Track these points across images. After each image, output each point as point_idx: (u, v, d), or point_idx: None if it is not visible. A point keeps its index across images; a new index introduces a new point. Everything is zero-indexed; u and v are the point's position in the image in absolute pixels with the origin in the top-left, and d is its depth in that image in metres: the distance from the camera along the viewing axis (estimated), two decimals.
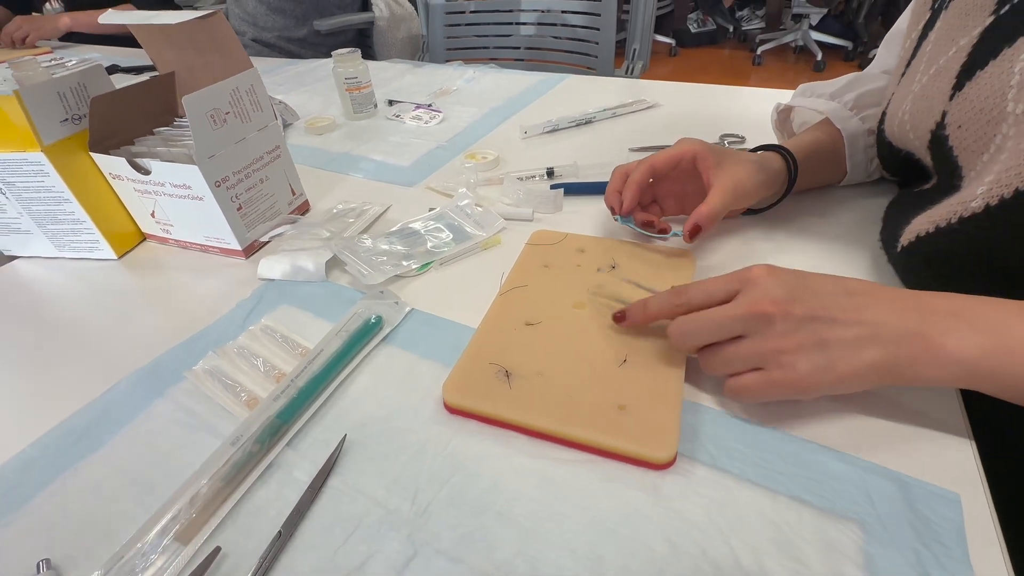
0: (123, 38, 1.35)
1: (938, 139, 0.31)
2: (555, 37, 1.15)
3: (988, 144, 0.28)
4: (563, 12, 1.12)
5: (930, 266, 0.32)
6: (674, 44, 3.46)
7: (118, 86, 0.43)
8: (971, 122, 0.29)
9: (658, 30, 3.53)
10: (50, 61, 1.21)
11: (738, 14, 3.72)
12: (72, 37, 1.36)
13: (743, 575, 0.22)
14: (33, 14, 1.39)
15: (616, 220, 0.40)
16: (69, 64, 1.19)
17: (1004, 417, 0.26)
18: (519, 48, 1.21)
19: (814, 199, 0.46)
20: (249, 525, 0.25)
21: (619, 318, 0.32)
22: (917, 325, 0.25)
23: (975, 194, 0.28)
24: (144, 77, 1.02)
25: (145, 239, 0.48)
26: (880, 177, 0.46)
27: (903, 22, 0.43)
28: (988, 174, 0.27)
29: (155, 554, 0.24)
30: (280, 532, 0.24)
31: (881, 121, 0.39)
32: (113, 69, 1.08)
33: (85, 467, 0.28)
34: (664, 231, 0.39)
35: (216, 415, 0.31)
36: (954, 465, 0.25)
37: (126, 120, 0.44)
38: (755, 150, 0.43)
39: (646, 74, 1.14)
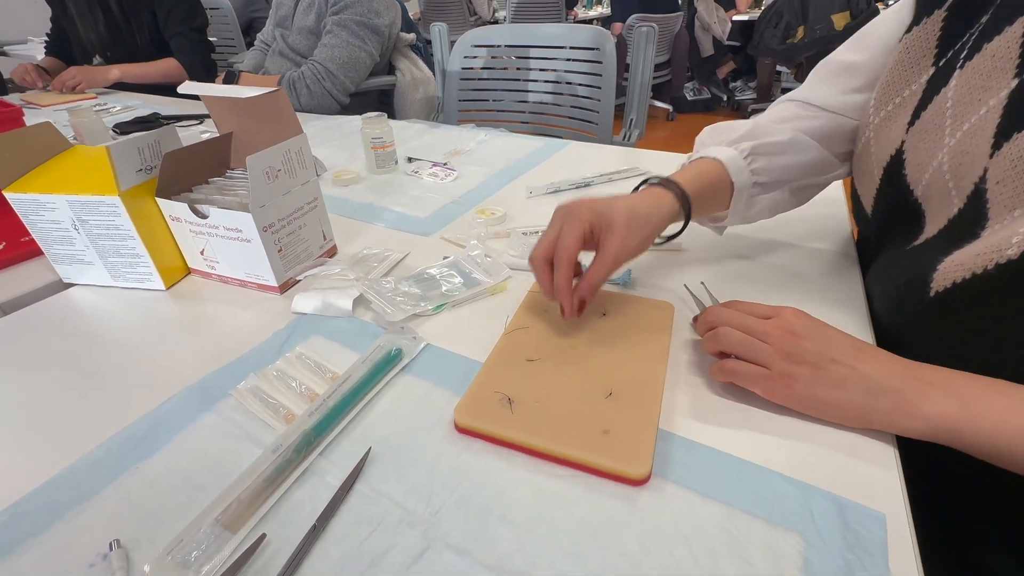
0: (164, 88, 1.47)
1: (978, 191, 0.33)
2: (558, 105, 1.26)
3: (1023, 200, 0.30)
4: (567, 83, 1.24)
5: (969, 312, 0.33)
6: (671, 110, 3.68)
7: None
8: (1009, 179, 0.31)
9: (656, 96, 3.77)
10: (95, 107, 1.32)
11: (732, 85, 3.97)
12: (116, 85, 1.48)
13: (701, 572, 0.26)
14: (85, 65, 1.51)
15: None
16: (113, 109, 1.30)
17: (930, 448, 0.31)
18: (526, 112, 1.32)
19: (785, 259, 0.52)
20: (288, 518, 0.29)
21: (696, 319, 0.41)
22: (899, 385, 0.31)
23: (1010, 242, 0.29)
24: (184, 125, 1.11)
25: (190, 273, 0.54)
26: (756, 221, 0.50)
27: (855, 53, 0.46)
28: (1022, 225, 0.29)
29: (209, 540, 0.28)
30: (315, 525, 0.29)
31: (899, 168, 0.40)
32: (154, 117, 1.18)
33: (145, 467, 0.33)
34: (583, 306, 0.41)
35: (258, 428, 0.35)
36: (883, 489, 0.30)
37: (188, 171, 0.51)
38: (658, 182, 0.44)
39: (644, 137, 1.25)
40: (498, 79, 1.32)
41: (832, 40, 2.95)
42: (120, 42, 1.43)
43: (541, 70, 1.27)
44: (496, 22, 3.95)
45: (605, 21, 3.93)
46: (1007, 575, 0.37)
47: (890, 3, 3.79)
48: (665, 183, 0.44)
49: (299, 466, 0.32)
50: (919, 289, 0.35)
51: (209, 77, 1.49)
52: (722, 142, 0.48)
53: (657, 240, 0.45)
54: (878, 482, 0.30)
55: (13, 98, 1.43)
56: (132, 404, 0.38)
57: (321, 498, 0.30)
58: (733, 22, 3.59)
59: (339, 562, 0.27)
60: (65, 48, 1.58)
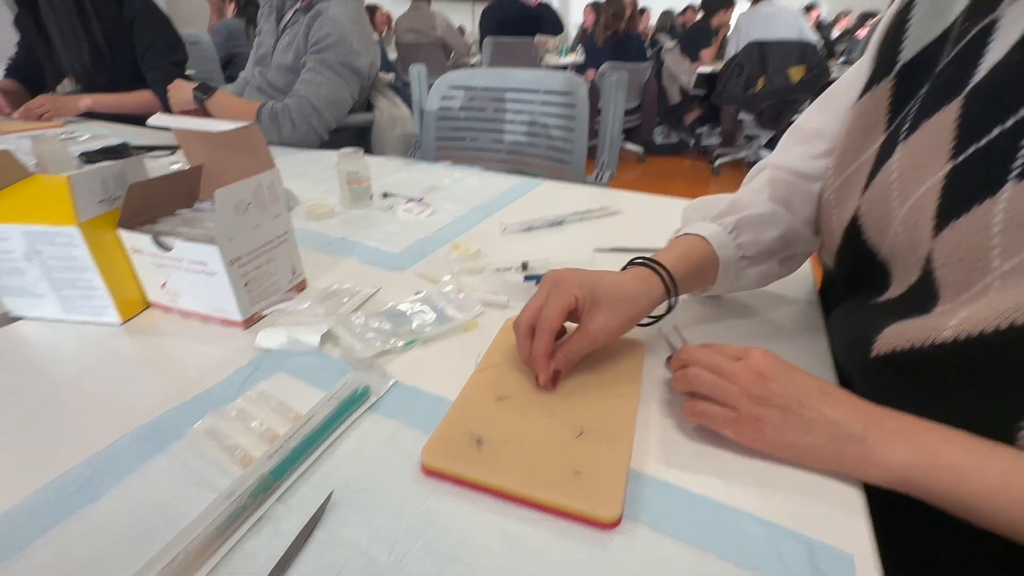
0: (133, 118, 1.45)
1: (928, 269, 0.34)
2: (533, 145, 1.30)
3: (970, 287, 0.31)
4: (542, 125, 1.28)
5: (903, 379, 0.34)
6: (642, 152, 3.83)
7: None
8: (954, 265, 0.32)
9: (628, 138, 3.91)
10: (62, 135, 1.30)
11: (698, 130, 4.17)
12: (86, 113, 1.45)
13: None
14: (55, 93, 1.49)
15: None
16: (81, 138, 1.28)
17: (895, 495, 0.31)
18: (502, 151, 1.35)
19: (752, 305, 0.54)
20: (240, 570, 0.27)
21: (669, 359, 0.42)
22: (862, 432, 0.32)
23: (947, 325, 0.30)
24: (155, 156, 1.09)
25: (149, 306, 0.52)
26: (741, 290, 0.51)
27: (814, 120, 0.49)
28: (962, 310, 0.30)
29: None
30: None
31: (858, 232, 0.41)
32: (123, 146, 1.16)
33: (86, 515, 0.30)
34: (557, 377, 0.40)
35: (213, 471, 0.33)
36: (850, 530, 0.30)
37: (154, 203, 0.50)
38: (643, 262, 0.44)
39: (616, 177, 1.29)
40: (475, 119, 1.36)
41: (790, 91, 3.15)
42: (102, 73, 1.41)
43: (517, 112, 1.31)
44: (472, 65, 4.09)
45: (579, 68, 4.11)
46: None
47: (840, 59, 4.08)
48: (653, 265, 0.43)
49: (254, 512, 0.30)
50: (862, 347, 0.37)
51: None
52: (705, 217, 0.49)
53: (645, 323, 0.44)
54: (846, 523, 0.31)
55: None
56: (77, 446, 0.35)
57: (277, 547, 0.28)
58: (698, 73, 3.80)
59: None
60: (28, 73, 1.55)
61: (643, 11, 6.02)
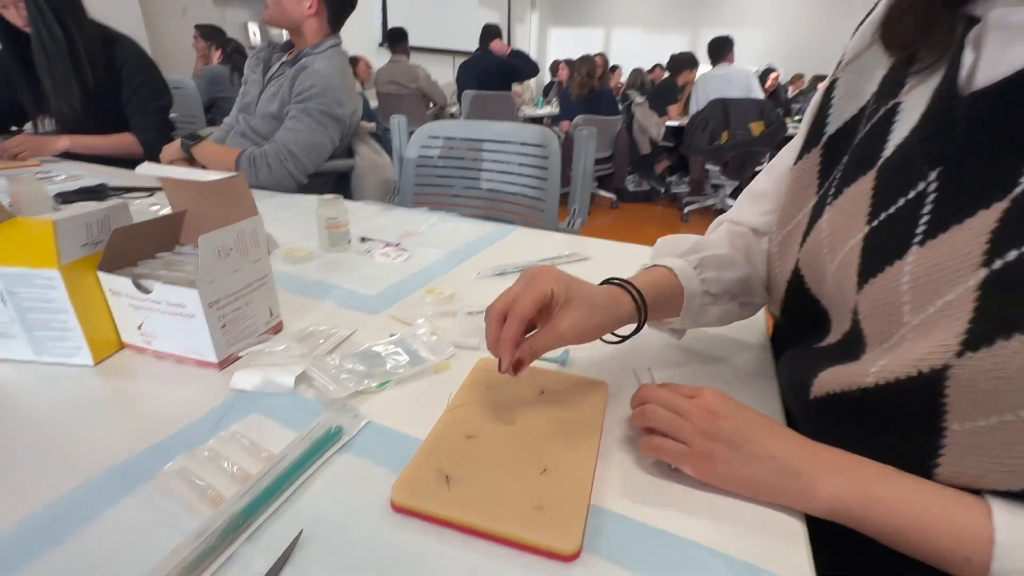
0: (110, 159, 1.46)
1: (856, 320, 0.38)
2: (508, 193, 1.35)
3: (888, 338, 0.34)
4: (517, 174, 1.34)
5: (837, 419, 0.38)
6: (615, 199, 3.98)
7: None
8: (874, 318, 0.36)
9: (601, 186, 4.07)
10: (38, 174, 1.30)
11: (668, 179, 4.37)
12: (62, 153, 1.46)
13: None
14: (36, 135, 1.50)
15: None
16: (57, 178, 1.28)
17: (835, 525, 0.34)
18: (478, 198, 1.40)
19: (709, 348, 0.57)
20: None
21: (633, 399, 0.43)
22: (805, 467, 0.35)
23: (869, 371, 0.34)
24: (133, 198, 1.10)
25: (123, 347, 0.53)
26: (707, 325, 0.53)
27: (764, 182, 0.54)
28: (882, 359, 0.34)
29: None
30: None
31: (801, 282, 0.45)
32: (101, 187, 1.17)
33: (51, 558, 0.31)
34: (519, 366, 0.41)
35: (183, 512, 0.34)
36: (793, 558, 0.32)
37: (136, 246, 0.51)
38: (614, 282, 0.46)
39: (590, 221, 1.34)
40: (452, 167, 1.41)
41: (751, 143, 3.37)
42: (90, 116, 1.43)
43: (493, 161, 1.37)
44: (453, 115, 4.24)
45: (555, 118, 4.30)
46: None
47: (796, 117, 4.39)
48: (626, 286, 0.46)
49: (223, 552, 0.31)
50: (803, 390, 0.40)
51: None
52: (673, 253, 0.52)
53: (611, 339, 0.47)
54: (788, 551, 0.33)
55: None
56: (42, 488, 0.35)
57: None
58: (666, 126, 4.02)
59: None
60: None
61: (615, 68, 6.41)
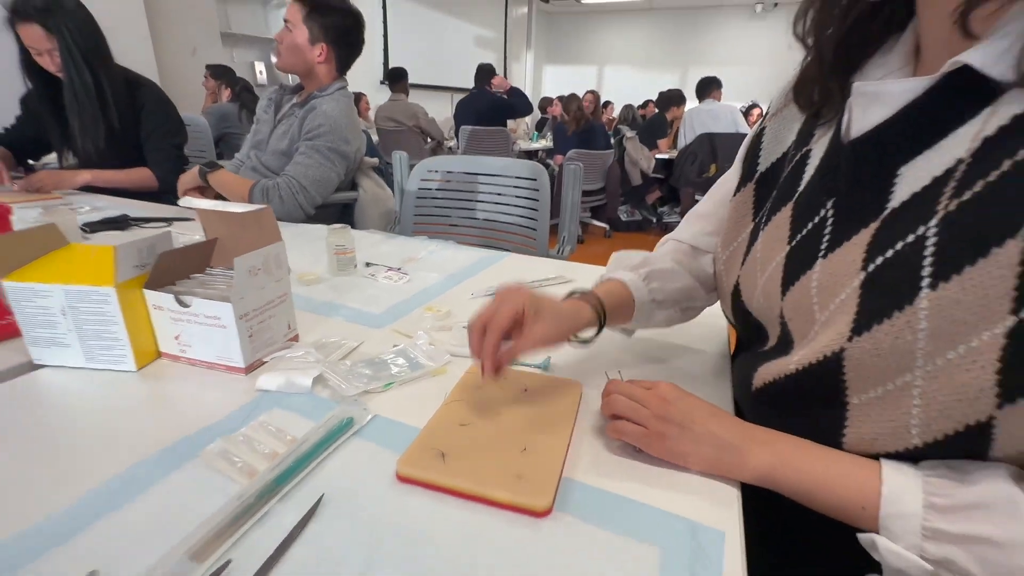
0: (128, 191, 1.56)
1: (783, 322, 0.45)
2: (502, 222, 1.45)
3: (807, 334, 0.42)
4: (510, 205, 1.44)
5: (771, 406, 0.46)
6: (608, 228, 4.10)
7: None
8: (795, 319, 0.43)
9: (595, 216, 4.20)
10: (71, 206, 1.39)
11: (660, 209, 4.51)
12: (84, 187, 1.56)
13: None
14: (59, 168, 1.60)
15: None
16: (82, 210, 1.37)
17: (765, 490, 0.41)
18: (474, 227, 1.50)
19: (673, 358, 0.65)
20: (251, 549, 0.35)
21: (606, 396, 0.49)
22: (739, 443, 0.43)
23: (792, 360, 0.42)
24: (154, 227, 1.19)
25: (160, 356, 0.60)
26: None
27: (706, 206, 0.63)
28: (802, 350, 0.41)
29: (177, 570, 0.33)
30: (274, 552, 0.34)
31: (738, 296, 0.53)
32: (123, 218, 1.26)
33: (123, 514, 0.37)
34: (499, 369, 0.48)
35: (225, 482, 0.41)
36: (726, 517, 0.39)
37: (175, 268, 0.59)
38: (576, 294, 0.55)
39: (585, 249, 1.43)
40: (450, 199, 1.51)
41: None
42: (111, 153, 1.53)
43: (488, 193, 1.47)
44: (451, 149, 4.41)
45: (549, 151, 4.47)
46: None
47: None
48: (586, 296, 0.55)
49: (260, 510, 0.38)
50: (747, 385, 0.49)
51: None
52: (625, 268, 0.61)
53: (577, 341, 0.55)
54: (723, 512, 0.40)
55: None
56: (102, 468, 0.42)
57: (280, 532, 0.36)
58: (656, 159, 4.18)
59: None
60: (20, 144, 1.65)
61: (607, 104, 6.65)
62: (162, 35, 3.88)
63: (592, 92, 4.55)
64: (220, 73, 3.52)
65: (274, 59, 1.56)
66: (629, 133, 4.45)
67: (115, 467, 0.42)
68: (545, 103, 6.45)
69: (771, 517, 0.44)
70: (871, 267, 0.37)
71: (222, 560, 0.34)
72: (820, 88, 0.47)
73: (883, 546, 0.35)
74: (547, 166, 4.25)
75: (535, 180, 1.39)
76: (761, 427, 0.44)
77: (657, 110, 4.74)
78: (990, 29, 0.34)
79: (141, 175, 1.63)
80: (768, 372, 0.45)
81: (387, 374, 0.57)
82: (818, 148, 0.47)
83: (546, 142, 4.88)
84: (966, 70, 0.34)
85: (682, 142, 3.84)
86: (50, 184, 1.52)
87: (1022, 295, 0.30)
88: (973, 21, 0.34)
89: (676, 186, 3.96)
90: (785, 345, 0.46)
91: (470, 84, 4.52)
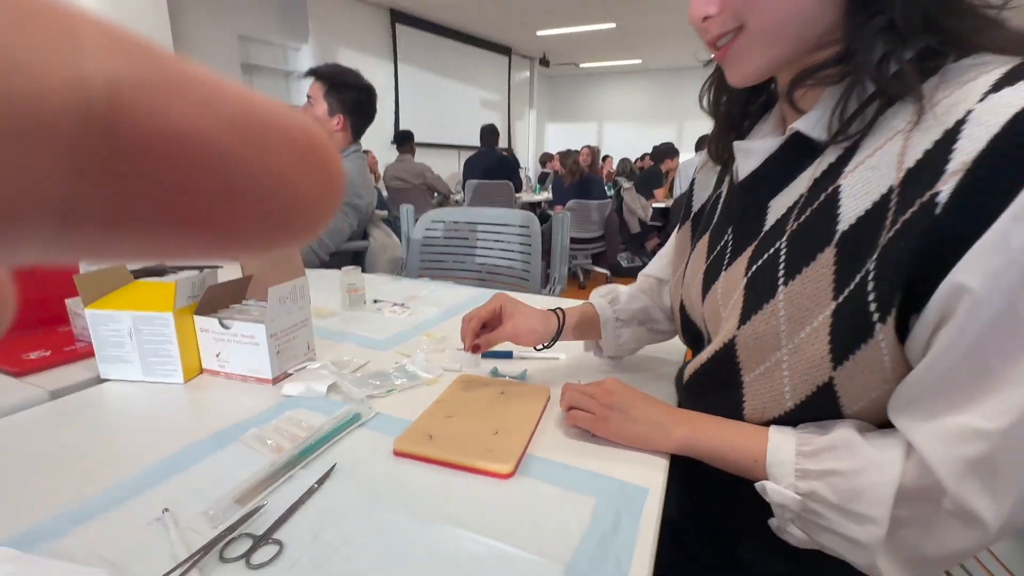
0: None
1: (705, 325, 0.58)
2: (498, 265, 1.59)
3: (718, 331, 0.53)
4: (506, 250, 1.58)
5: (695, 392, 0.57)
6: (609, 274, 4.25)
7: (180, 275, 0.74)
8: (711, 320, 0.55)
9: (596, 263, 4.36)
10: None
11: None
12: None
13: (539, 520, 0.44)
14: None
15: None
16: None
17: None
18: (473, 270, 1.64)
19: (637, 369, 0.76)
20: (280, 497, 0.46)
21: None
22: (665, 421, 0.54)
23: (706, 353, 0.54)
24: (186, 272, 1.33)
25: (202, 372, 0.72)
26: (630, 353, 0.77)
27: (668, 245, 0.77)
28: (714, 344, 0.52)
29: (226, 509, 0.44)
30: (295, 503, 0.45)
31: (683, 311, 0.64)
32: (160, 266, 1.41)
33: (183, 476, 0.49)
34: (477, 348, 0.66)
35: (259, 457, 0.52)
36: (652, 479, 0.50)
37: (217, 298, 0.73)
38: (553, 311, 0.70)
39: (583, 292, 1.56)
40: (451, 246, 1.67)
41: None
42: None
43: (485, 240, 1.62)
44: (457, 202, 4.66)
45: (550, 203, 4.70)
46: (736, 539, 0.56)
47: None
48: (555, 310, 0.70)
49: (287, 473, 0.49)
50: (681, 380, 0.60)
51: None
52: (596, 295, 0.77)
53: (540, 348, 0.69)
54: (651, 475, 0.50)
55: None
56: (162, 449, 0.54)
57: (302, 488, 0.47)
58: (654, 208, 4.38)
59: (316, 520, 0.44)
60: None
61: (606, 158, 6.98)
62: None
63: (589, 147, 4.83)
64: None
65: None
66: (626, 184, 4.69)
67: (174, 447, 0.54)
68: (545, 158, 6.80)
69: (701, 481, 0.54)
70: (750, 274, 0.50)
71: (258, 504, 0.45)
72: (721, 146, 0.61)
73: (770, 488, 0.46)
74: (548, 216, 4.47)
75: (527, 228, 1.54)
76: (683, 409, 0.55)
77: (652, 163, 5.00)
78: (812, 105, 0.48)
79: None
80: (692, 366, 0.57)
81: (389, 383, 0.69)
82: (725, 190, 0.61)
83: (547, 194, 5.13)
84: (799, 133, 0.48)
85: (677, 191, 4.04)
86: None
87: (839, 286, 0.42)
88: (798, 101, 0.48)
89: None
90: (707, 343, 0.58)
91: (475, 142, 4.84)
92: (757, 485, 0.47)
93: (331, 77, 1.54)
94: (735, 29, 0.48)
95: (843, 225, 0.43)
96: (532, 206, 5.13)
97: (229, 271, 1.20)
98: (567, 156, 4.06)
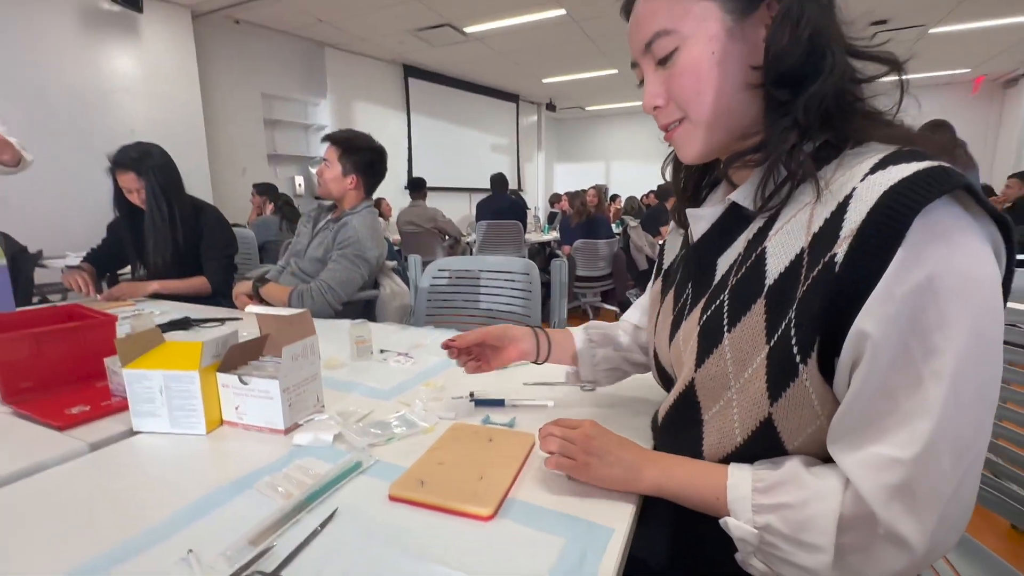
0: (187, 297, 1.85)
1: (672, 369, 0.66)
2: (501, 309, 1.67)
3: (681, 372, 0.60)
4: (508, 294, 1.66)
5: (666, 432, 0.63)
6: (618, 311, 4.29)
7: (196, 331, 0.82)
8: (675, 364, 0.64)
9: (605, 300, 4.42)
10: (151, 312, 1.66)
11: None
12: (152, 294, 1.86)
13: (514, 556, 0.50)
14: (133, 278, 1.92)
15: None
16: (155, 314, 1.64)
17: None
18: (477, 315, 1.72)
19: (620, 401, 0.82)
20: (288, 540, 0.52)
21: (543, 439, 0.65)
22: (638, 463, 0.59)
23: (672, 395, 0.61)
24: (210, 327, 1.44)
25: (223, 423, 0.80)
26: (608, 381, 0.85)
27: (645, 296, 0.85)
28: (678, 386, 0.60)
29: (240, 550, 0.51)
30: (301, 543, 0.52)
31: (657, 358, 0.72)
32: (186, 320, 1.52)
33: (204, 521, 0.56)
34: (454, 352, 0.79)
35: (271, 503, 0.59)
36: (617, 516, 0.55)
37: (237, 356, 0.81)
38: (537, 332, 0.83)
39: None
40: (456, 292, 1.75)
41: None
42: (175, 266, 1.85)
43: (488, 286, 1.71)
44: (469, 244, 4.81)
45: (558, 242, 4.81)
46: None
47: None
48: (540, 333, 0.82)
49: (294, 517, 0.56)
50: (656, 421, 0.67)
51: (229, 291, 1.88)
52: (585, 329, 0.86)
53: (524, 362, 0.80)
54: (616, 515, 0.56)
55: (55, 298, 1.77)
56: (186, 495, 0.61)
57: (307, 531, 0.54)
58: (660, 245, 4.46)
59: (319, 559, 0.50)
60: (103, 261, 2.00)
61: (615, 197, 7.13)
62: (219, 157, 4.51)
63: (595, 187, 4.98)
64: (265, 190, 4.05)
65: (315, 183, 1.89)
66: (632, 222, 4.79)
67: (197, 493, 0.61)
68: (554, 199, 6.98)
69: (672, 519, 0.59)
70: (702, 322, 0.57)
71: (268, 545, 0.52)
72: (680, 214, 0.69)
73: (731, 523, 0.51)
74: (557, 255, 4.55)
75: (528, 274, 1.62)
76: (653, 451, 0.61)
77: (657, 200, 5.11)
78: (744, 180, 0.56)
79: (198, 283, 1.93)
80: (663, 406, 0.64)
81: (389, 432, 0.76)
82: (687, 250, 0.68)
83: (556, 233, 5.25)
84: (736, 204, 0.56)
85: None
86: (127, 294, 1.83)
87: (769, 331, 0.49)
88: (733, 177, 0.56)
89: None
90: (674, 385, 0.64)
91: (486, 184, 5.03)
92: (720, 522, 0.52)
93: (344, 141, 1.68)
94: (679, 119, 0.57)
95: (770, 280, 0.51)
96: (542, 245, 5.25)
97: (248, 324, 1.30)
98: (575, 197, 4.20)
